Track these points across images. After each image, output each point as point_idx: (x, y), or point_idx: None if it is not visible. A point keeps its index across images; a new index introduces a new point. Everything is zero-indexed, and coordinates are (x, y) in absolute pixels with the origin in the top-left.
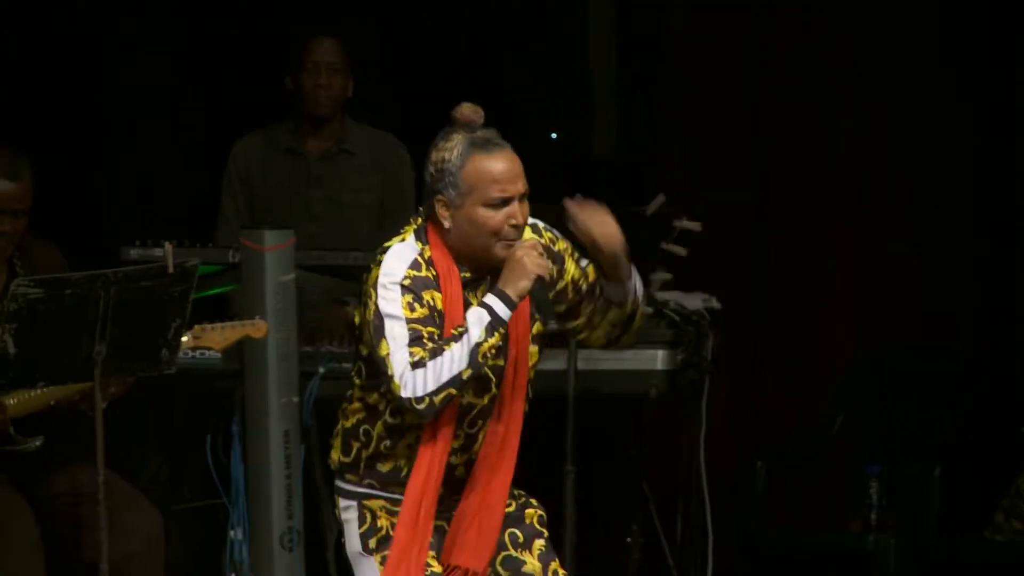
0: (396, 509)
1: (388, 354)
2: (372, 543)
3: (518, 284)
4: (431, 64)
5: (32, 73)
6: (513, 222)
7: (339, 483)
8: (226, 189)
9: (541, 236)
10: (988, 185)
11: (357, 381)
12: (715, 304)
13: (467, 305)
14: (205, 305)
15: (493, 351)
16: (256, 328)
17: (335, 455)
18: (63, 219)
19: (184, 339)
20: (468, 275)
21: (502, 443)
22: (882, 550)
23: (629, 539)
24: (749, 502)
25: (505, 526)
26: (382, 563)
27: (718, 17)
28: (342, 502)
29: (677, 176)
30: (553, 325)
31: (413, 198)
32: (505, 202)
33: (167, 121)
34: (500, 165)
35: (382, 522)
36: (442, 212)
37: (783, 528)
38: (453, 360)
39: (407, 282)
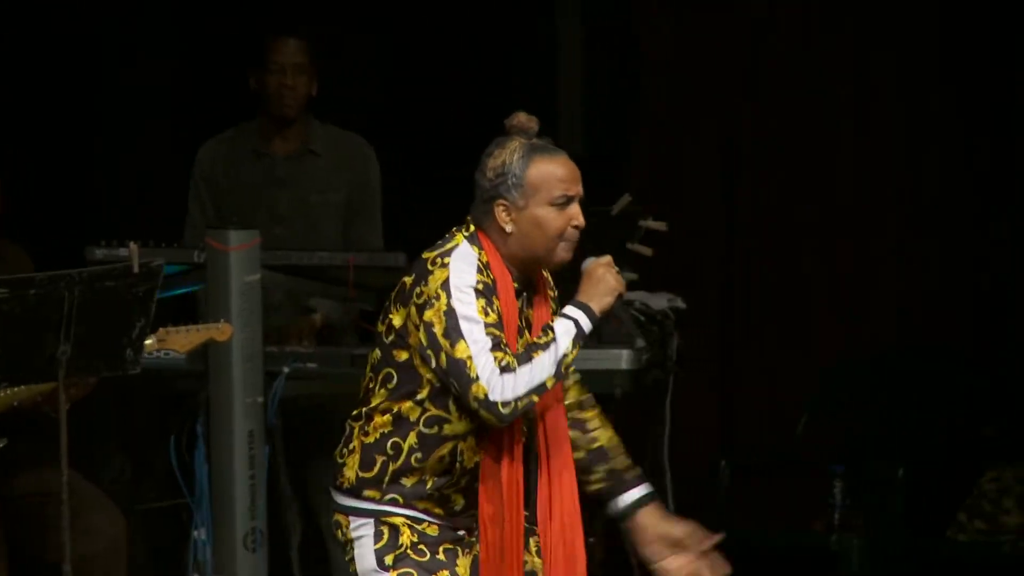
0: (419, 528)
1: (470, 356)
2: (389, 559)
3: (603, 300)
4: (399, 65)
5: (29, 73)
6: (575, 223)
7: (351, 502)
8: (192, 192)
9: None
10: (970, 189)
11: (382, 391)
12: (680, 304)
13: (523, 320)
14: (171, 304)
15: (572, 364)
16: (220, 331)
17: (350, 473)
18: (62, 220)
19: (148, 342)
20: (516, 286)
21: (562, 461)
22: (845, 549)
23: (592, 538)
24: (715, 501)
25: None
26: None
27: (689, 15)
28: (353, 520)
29: (648, 175)
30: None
31: (380, 198)
32: (568, 202)
33: (167, 122)
34: (563, 168)
35: (404, 539)
36: (503, 216)
37: (748, 528)
38: (543, 367)
39: (480, 287)
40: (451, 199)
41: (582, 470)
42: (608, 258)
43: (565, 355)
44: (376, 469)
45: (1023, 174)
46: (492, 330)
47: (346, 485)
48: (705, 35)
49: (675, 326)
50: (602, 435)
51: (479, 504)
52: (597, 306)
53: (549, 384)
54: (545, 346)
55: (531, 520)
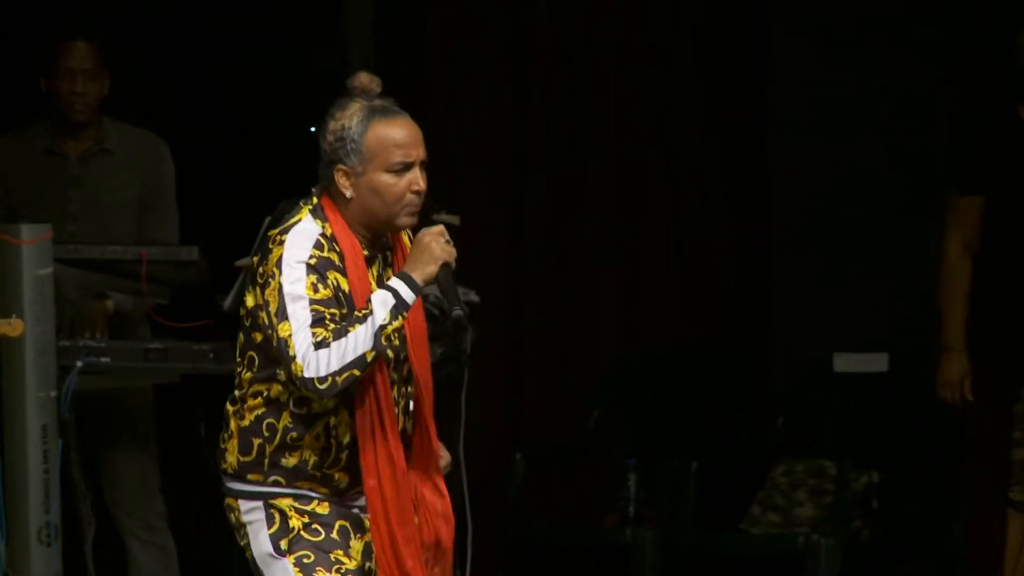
0: (306, 508)
1: (290, 335)
2: (284, 544)
3: (425, 269)
4: (192, 61)
5: None
6: (415, 188)
7: (237, 485)
8: None
9: None
10: (740, 189)
11: (248, 375)
12: (474, 298)
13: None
14: None
15: (397, 334)
16: (12, 327)
17: (231, 458)
18: None
19: None
20: (366, 252)
21: (426, 434)
22: (639, 543)
23: None
24: (509, 497)
25: None
26: (296, 564)
27: (479, 10)
28: (243, 504)
29: (436, 170)
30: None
31: (173, 195)
32: (407, 167)
33: None
34: (402, 131)
35: (294, 523)
36: (343, 182)
37: (542, 523)
38: (358, 341)
39: (312, 261)
40: (250, 196)
41: None
42: (439, 227)
43: (383, 326)
44: (255, 452)
45: (781, 181)
46: (317, 307)
47: (230, 470)
48: (494, 27)
49: (469, 320)
50: None
51: (364, 477)
52: (419, 276)
53: (369, 358)
54: (362, 319)
55: None
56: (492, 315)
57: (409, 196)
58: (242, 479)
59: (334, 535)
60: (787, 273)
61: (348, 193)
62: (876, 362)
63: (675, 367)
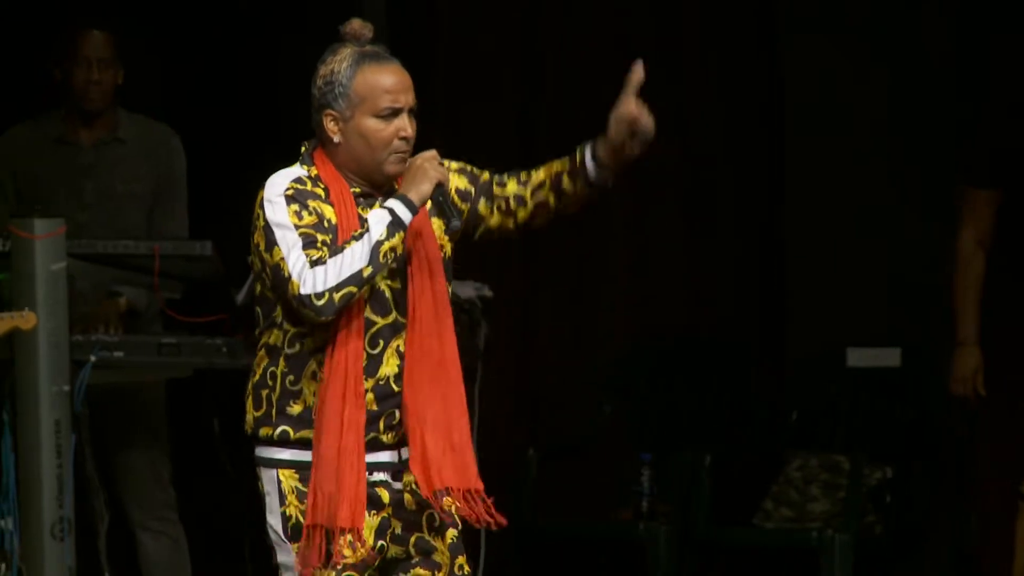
0: (306, 489)
1: (283, 257)
2: (290, 530)
3: (420, 188)
4: (202, 50)
5: None
6: (403, 134)
7: (256, 450)
8: None
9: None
10: (752, 181)
11: (258, 330)
12: (487, 292)
13: (361, 220)
14: None
15: (393, 252)
16: (25, 320)
17: (248, 416)
18: None
19: None
20: (359, 190)
21: (439, 356)
22: (652, 538)
23: None
24: (522, 491)
25: (425, 507)
26: (298, 553)
27: (490, 5)
28: (262, 474)
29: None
30: (457, 224)
31: (184, 188)
32: (395, 113)
33: None
34: (391, 76)
35: (291, 511)
36: (331, 126)
37: (556, 517)
38: (354, 257)
39: (290, 192)
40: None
41: (545, 205)
42: (432, 152)
43: (379, 242)
44: (264, 405)
45: (794, 174)
46: (305, 230)
47: (248, 430)
48: (503, 17)
49: (482, 315)
50: (537, 176)
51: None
52: (415, 195)
53: (366, 273)
54: (359, 236)
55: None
56: (504, 309)
57: (396, 142)
58: (256, 438)
59: None
60: (800, 267)
61: (336, 138)
62: (889, 357)
63: (688, 361)
